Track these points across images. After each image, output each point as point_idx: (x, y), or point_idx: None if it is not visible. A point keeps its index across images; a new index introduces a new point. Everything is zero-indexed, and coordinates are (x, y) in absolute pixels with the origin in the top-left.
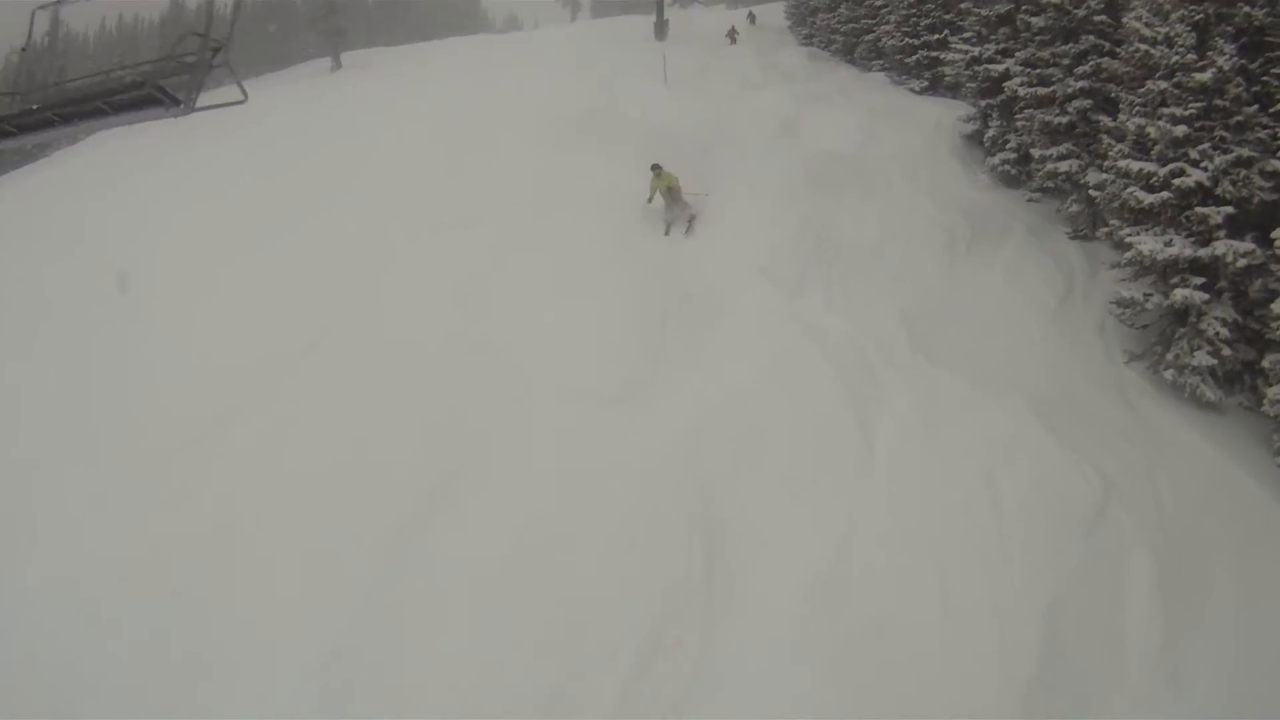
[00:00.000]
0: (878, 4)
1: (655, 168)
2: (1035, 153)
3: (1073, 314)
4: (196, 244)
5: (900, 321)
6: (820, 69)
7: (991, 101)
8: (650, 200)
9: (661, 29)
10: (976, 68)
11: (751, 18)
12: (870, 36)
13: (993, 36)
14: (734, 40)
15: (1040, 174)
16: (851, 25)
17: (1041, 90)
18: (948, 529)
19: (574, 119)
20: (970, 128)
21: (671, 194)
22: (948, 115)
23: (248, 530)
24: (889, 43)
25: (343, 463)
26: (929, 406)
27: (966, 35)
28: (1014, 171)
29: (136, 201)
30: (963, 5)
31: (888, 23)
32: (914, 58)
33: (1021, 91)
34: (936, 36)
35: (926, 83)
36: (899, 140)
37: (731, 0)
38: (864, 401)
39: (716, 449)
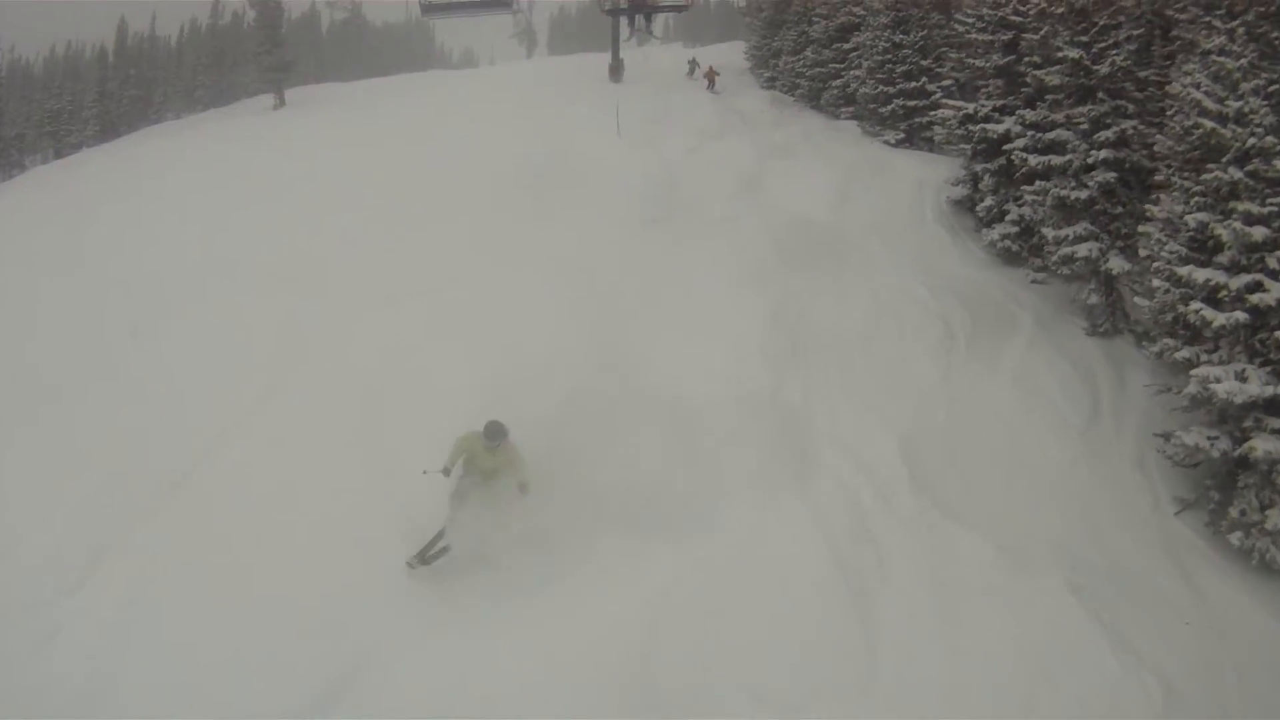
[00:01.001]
0: (846, 48)
1: (489, 434)
2: (1048, 233)
3: (1104, 441)
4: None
5: (899, 450)
6: (784, 116)
7: (988, 166)
8: (446, 472)
9: (617, 70)
10: (971, 126)
11: (692, 68)
12: (838, 82)
13: (985, 89)
14: (712, 83)
15: (1053, 258)
16: (818, 70)
17: (1056, 159)
18: None
19: (517, 179)
20: (959, 192)
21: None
22: (930, 174)
23: None
24: (862, 90)
25: None
26: (944, 586)
27: (946, 84)
28: (1015, 247)
29: None
30: (952, 55)
31: (858, 68)
32: (889, 107)
33: (1032, 160)
34: (914, 84)
35: (903, 134)
36: (878, 203)
37: (689, 38)
38: (862, 576)
39: (672, 648)
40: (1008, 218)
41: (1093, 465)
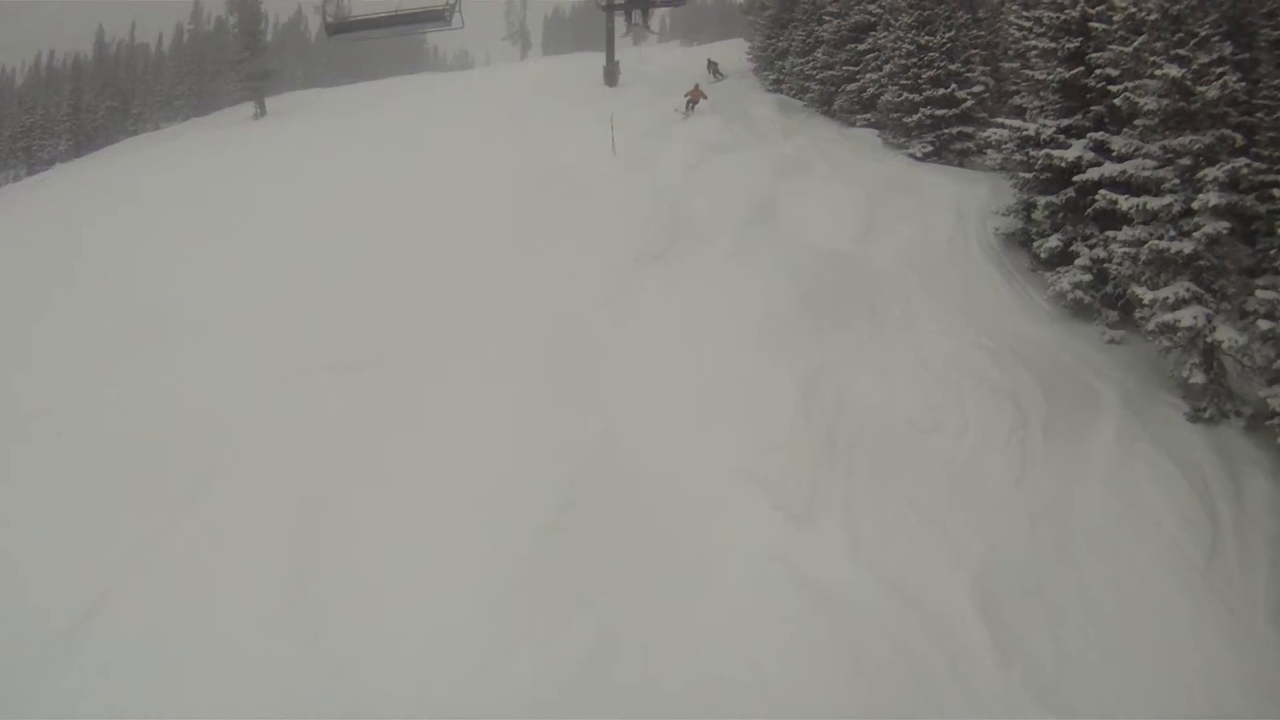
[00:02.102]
0: (861, 49)
1: None
2: (1141, 293)
3: (1230, 583)
4: None
5: (973, 597)
6: (794, 124)
7: (1052, 199)
8: None
9: (612, 73)
10: (1033, 151)
11: (714, 70)
12: (853, 86)
13: (1043, 106)
14: (697, 99)
15: (1149, 325)
16: (830, 73)
17: (1152, 201)
18: None
19: (500, 206)
20: (1011, 223)
21: None
22: (968, 196)
23: None
24: (884, 98)
25: None
26: None
27: (977, 89)
28: (1086, 299)
29: None
30: (1005, 63)
31: (877, 70)
32: (915, 117)
33: (1125, 203)
34: (942, 91)
35: (930, 147)
36: (912, 233)
37: (686, 37)
38: None
39: None
40: (1077, 261)
41: (1221, 624)
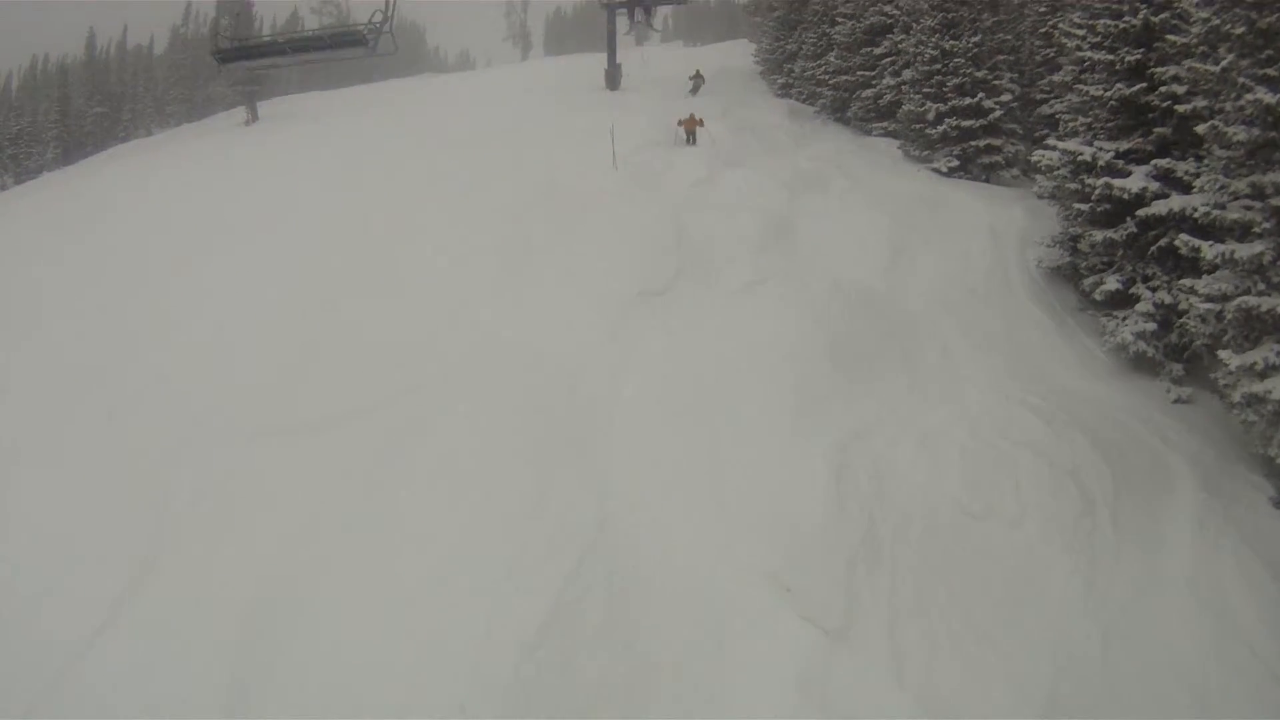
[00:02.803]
0: (877, 53)
1: None
2: (1228, 358)
3: None
4: None
5: None
6: (806, 132)
7: (1111, 235)
8: None
9: (613, 76)
10: (1089, 179)
11: (695, 86)
12: (869, 92)
13: (1102, 126)
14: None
15: (1234, 397)
16: (844, 78)
17: (1241, 249)
18: None
19: (489, 232)
20: (1056, 255)
21: None
22: (1003, 218)
23: None
24: (907, 108)
25: None
26: None
27: (1005, 99)
28: (1150, 351)
29: None
30: (1054, 77)
31: (895, 76)
32: (939, 128)
33: (1208, 252)
34: (969, 101)
35: (955, 161)
36: (946, 264)
37: (689, 38)
38: None
39: None
40: (1139, 306)
41: None
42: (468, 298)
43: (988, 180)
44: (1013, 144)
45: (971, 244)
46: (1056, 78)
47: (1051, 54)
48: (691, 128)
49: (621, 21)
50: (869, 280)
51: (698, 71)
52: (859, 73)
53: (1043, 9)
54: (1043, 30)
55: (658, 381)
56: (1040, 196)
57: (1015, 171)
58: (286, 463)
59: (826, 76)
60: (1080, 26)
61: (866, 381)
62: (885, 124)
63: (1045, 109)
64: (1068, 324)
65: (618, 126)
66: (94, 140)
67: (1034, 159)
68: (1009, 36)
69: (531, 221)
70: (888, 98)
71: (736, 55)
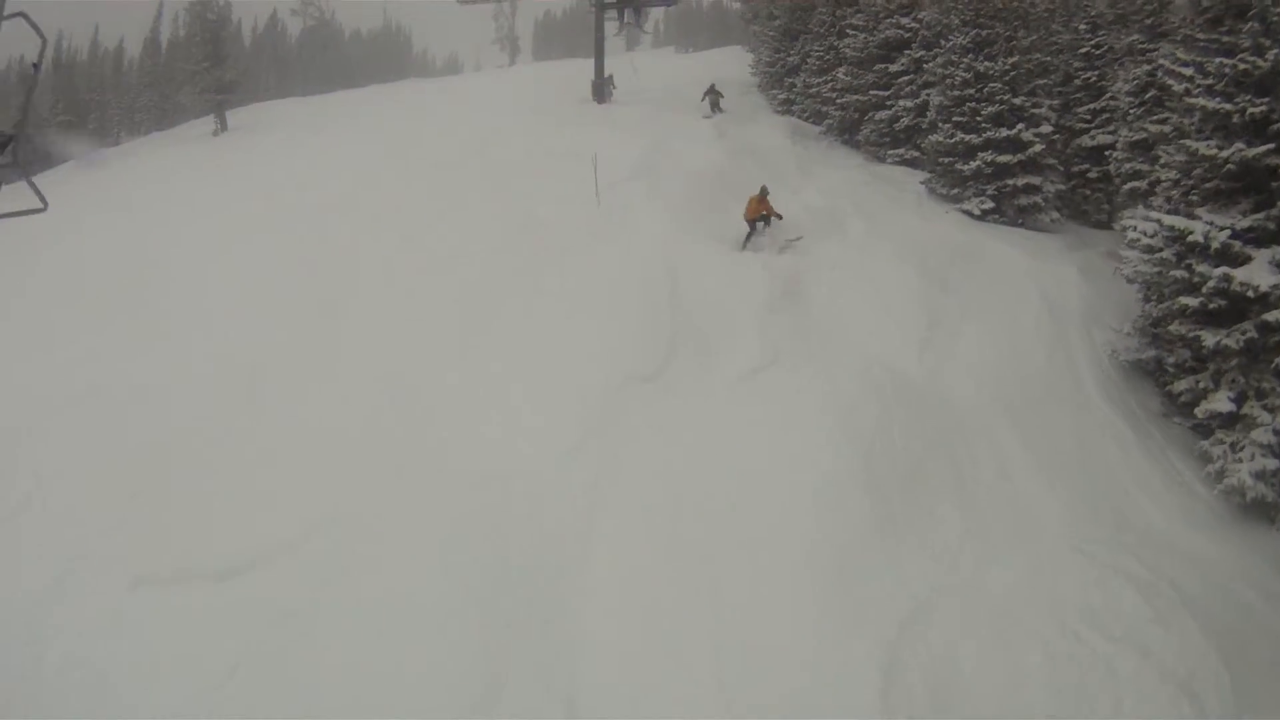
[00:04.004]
0: (893, 70)
1: None
2: None
3: None
4: None
5: None
6: (812, 155)
7: (1226, 341)
8: None
9: (600, 89)
10: (1200, 266)
11: (714, 102)
12: (884, 114)
13: (1207, 191)
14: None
15: None
16: (855, 97)
17: None
18: None
19: (449, 287)
20: (1137, 347)
21: None
22: (1054, 280)
23: None
24: (934, 138)
25: None
26: None
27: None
28: (1271, 495)
29: None
30: (1149, 126)
31: (914, 98)
32: (972, 164)
33: None
34: (1007, 132)
35: (990, 203)
36: (992, 342)
37: (681, 43)
38: None
39: None
40: (1255, 434)
41: None
42: (413, 377)
43: (1023, 224)
44: (1052, 182)
45: (1021, 314)
46: (1152, 126)
47: (1093, 78)
48: (760, 213)
49: (610, 25)
50: (903, 362)
51: (713, 86)
52: (872, 92)
53: (1083, 25)
54: (1083, 50)
55: (645, 513)
56: (1131, 281)
57: (1055, 215)
58: (169, 623)
59: (834, 94)
60: (1186, 64)
61: (912, 518)
62: (902, 150)
63: (1087, 140)
64: (1152, 438)
65: (603, 147)
66: (58, 151)
67: (1123, 227)
68: (1046, 56)
69: (501, 268)
70: (905, 121)
71: (731, 64)
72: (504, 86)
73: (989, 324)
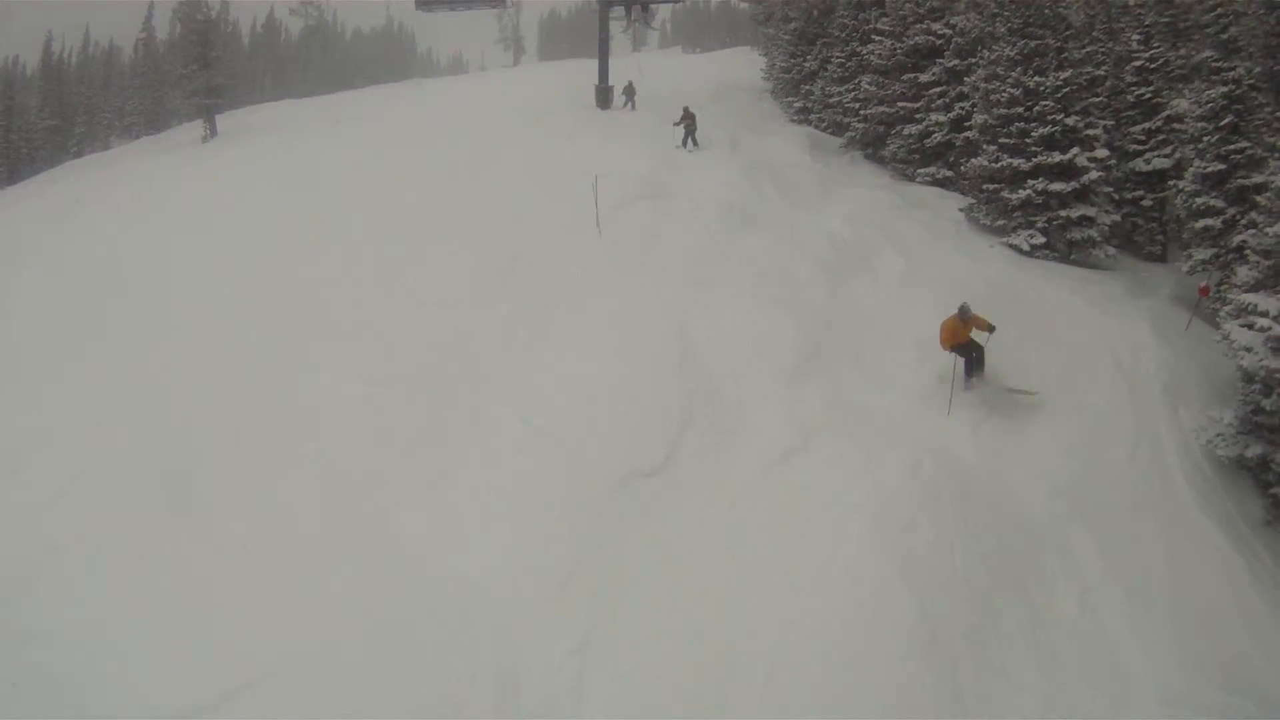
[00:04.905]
0: (924, 80)
1: None
2: None
3: None
4: None
5: None
6: (834, 172)
7: None
8: None
9: (605, 95)
10: None
11: (689, 130)
12: (913, 129)
13: None
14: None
15: None
16: (881, 108)
17: None
18: None
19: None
20: (1235, 438)
21: None
22: (1128, 344)
23: None
24: (978, 161)
25: None
26: None
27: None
28: None
29: None
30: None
31: (947, 111)
32: (1021, 193)
33: None
34: (1060, 157)
35: (1042, 237)
36: (1063, 425)
37: (689, 44)
38: None
39: None
40: None
41: None
42: (365, 477)
43: (1075, 259)
44: (1107, 213)
45: (1094, 388)
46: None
47: (1147, 94)
48: (961, 340)
49: (616, 24)
50: (957, 445)
51: (686, 109)
52: (900, 104)
53: (1136, 37)
54: (1136, 63)
55: (649, 688)
56: (1252, 377)
57: (1110, 250)
58: None
59: (857, 105)
60: None
61: (985, 694)
62: (933, 169)
63: (1141, 164)
64: (1261, 562)
65: (606, 163)
66: (46, 155)
67: (1242, 304)
68: (1099, 70)
69: (482, 317)
70: (938, 137)
71: (741, 67)
72: (505, 89)
73: (1057, 400)
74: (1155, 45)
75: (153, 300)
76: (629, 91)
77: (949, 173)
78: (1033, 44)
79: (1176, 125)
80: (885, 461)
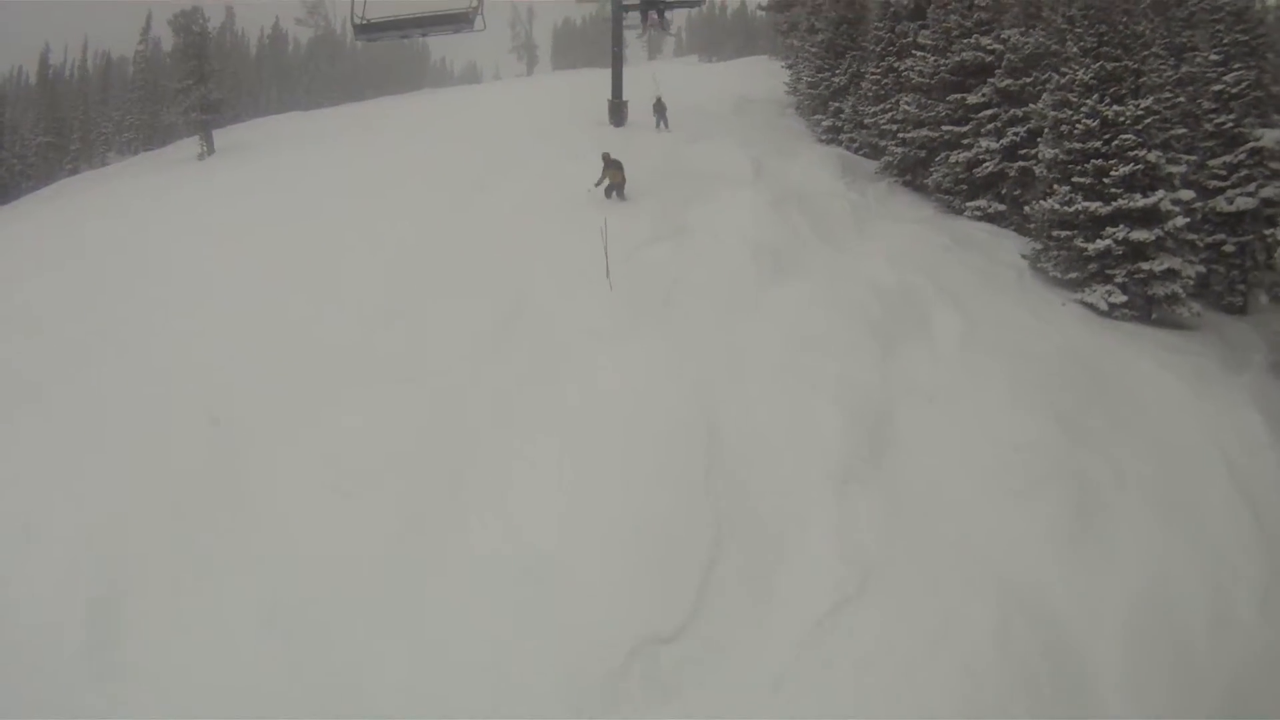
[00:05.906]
0: (972, 102)
1: None
2: None
3: None
4: None
5: None
6: (870, 203)
7: None
8: None
9: (618, 111)
10: None
11: (614, 181)
12: (961, 156)
13: None
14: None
15: None
16: (924, 132)
17: None
18: None
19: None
20: None
21: None
22: (1239, 444)
23: None
24: (1048, 204)
25: None
26: None
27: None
28: None
29: None
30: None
31: (999, 137)
32: (1101, 243)
33: None
34: (1143, 201)
35: (1123, 295)
36: (1173, 564)
37: (705, 52)
38: None
39: None
40: None
41: None
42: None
43: (1155, 317)
44: (1190, 263)
45: (1201, 501)
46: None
47: (1227, 123)
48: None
49: (631, 32)
50: (1045, 578)
51: (606, 156)
52: (945, 127)
53: (1214, 56)
54: (1215, 88)
55: None
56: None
57: (1196, 308)
58: None
59: (894, 127)
60: None
61: None
62: (983, 202)
63: (1223, 203)
64: None
65: (616, 207)
66: (41, 172)
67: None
68: (1183, 98)
69: (471, 392)
70: (988, 167)
71: (759, 77)
72: (516, 102)
73: (1159, 519)
74: (1237, 66)
75: (64, 382)
76: (659, 109)
77: (1001, 206)
78: (1110, 66)
79: (1262, 160)
80: (967, 618)
